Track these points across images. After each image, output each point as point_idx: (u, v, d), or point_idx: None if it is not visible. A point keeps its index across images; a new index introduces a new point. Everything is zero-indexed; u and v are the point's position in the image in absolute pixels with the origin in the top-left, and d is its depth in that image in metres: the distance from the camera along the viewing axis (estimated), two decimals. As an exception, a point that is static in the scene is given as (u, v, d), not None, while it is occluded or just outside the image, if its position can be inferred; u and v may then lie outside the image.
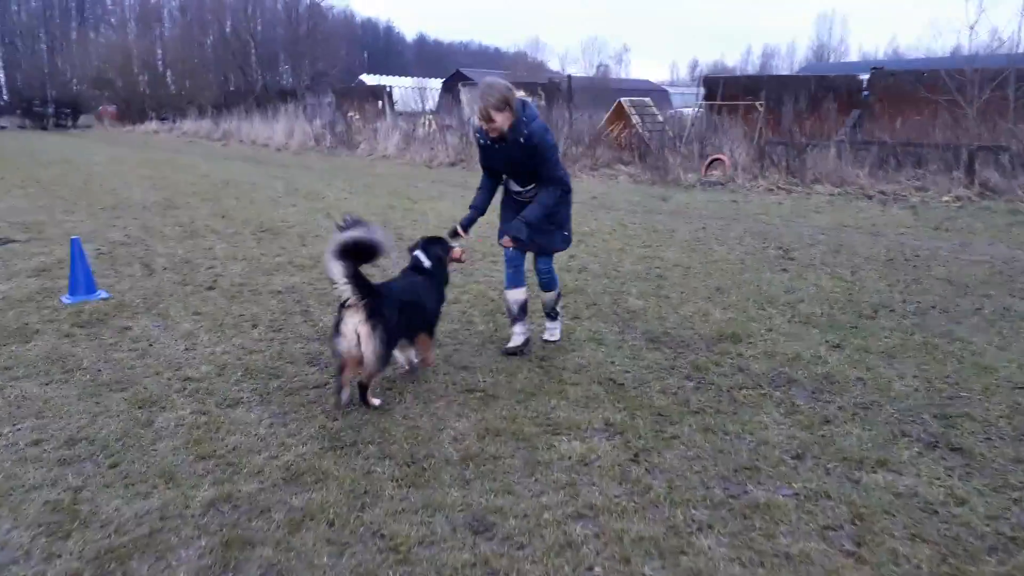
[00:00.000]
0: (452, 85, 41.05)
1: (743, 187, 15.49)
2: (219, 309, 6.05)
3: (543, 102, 28.49)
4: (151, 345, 5.15)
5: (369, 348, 3.93)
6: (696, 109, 21.97)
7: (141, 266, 7.59)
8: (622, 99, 22.82)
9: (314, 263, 7.91)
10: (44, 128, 45.32)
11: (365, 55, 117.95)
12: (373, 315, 3.96)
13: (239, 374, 4.64)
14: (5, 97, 61.46)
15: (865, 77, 21.71)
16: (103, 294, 6.39)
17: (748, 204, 13.30)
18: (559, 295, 5.51)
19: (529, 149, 4.66)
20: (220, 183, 15.31)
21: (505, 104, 4.50)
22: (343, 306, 3.99)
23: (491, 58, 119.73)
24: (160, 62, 51.03)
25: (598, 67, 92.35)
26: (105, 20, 75.45)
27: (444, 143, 21.24)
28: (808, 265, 8.16)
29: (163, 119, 42.55)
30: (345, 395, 4.14)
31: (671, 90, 60.52)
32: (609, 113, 23.21)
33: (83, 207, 11.61)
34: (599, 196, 14.36)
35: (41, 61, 60.02)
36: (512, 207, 5.12)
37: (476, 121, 4.71)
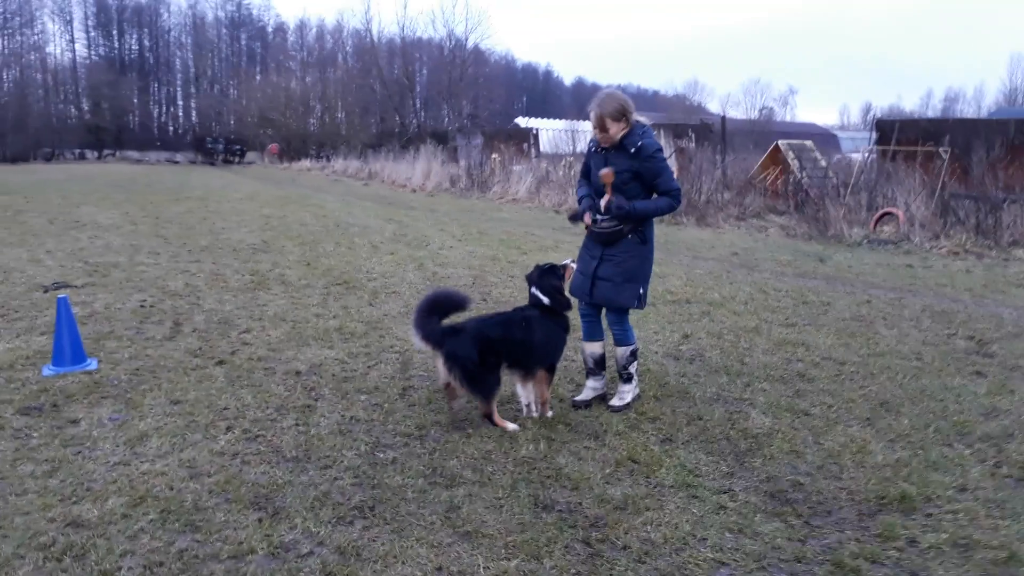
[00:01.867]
0: (603, 127, 39.71)
1: (920, 248, 12.96)
2: (207, 396, 4.76)
3: (692, 144, 26.58)
4: (78, 453, 3.88)
5: (456, 382, 4.30)
6: (866, 154, 19.35)
7: (171, 325, 6.52)
8: (779, 141, 20.56)
9: (367, 329, 6.56)
10: (212, 164, 47.96)
11: (524, 99, 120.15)
12: (449, 358, 4.28)
13: (149, 518, 3.24)
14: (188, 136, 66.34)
15: (1077, 121, 18.35)
16: (92, 364, 5.28)
17: (927, 271, 10.87)
18: (634, 353, 4.96)
19: (638, 162, 4.54)
20: (332, 225, 14.55)
21: (622, 115, 4.50)
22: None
23: (648, 100, 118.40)
24: (318, 103, 53.13)
25: (760, 110, 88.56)
26: (285, 65, 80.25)
27: (574, 187, 19.72)
28: (1014, 368, 5.94)
29: (318, 157, 43.85)
30: (456, 404, 4.56)
31: (840, 134, 56.55)
32: (764, 157, 21.01)
33: (173, 248, 10.99)
34: (742, 252, 12.34)
35: (217, 102, 64.30)
36: (589, 249, 4.87)
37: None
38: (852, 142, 45.32)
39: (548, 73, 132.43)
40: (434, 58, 69.81)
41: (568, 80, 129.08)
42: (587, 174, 4.89)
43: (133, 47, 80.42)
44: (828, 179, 17.57)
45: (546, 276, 4.74)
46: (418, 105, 63.56)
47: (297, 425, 4.31)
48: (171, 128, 74.69)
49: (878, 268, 11.02)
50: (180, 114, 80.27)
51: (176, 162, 49.57)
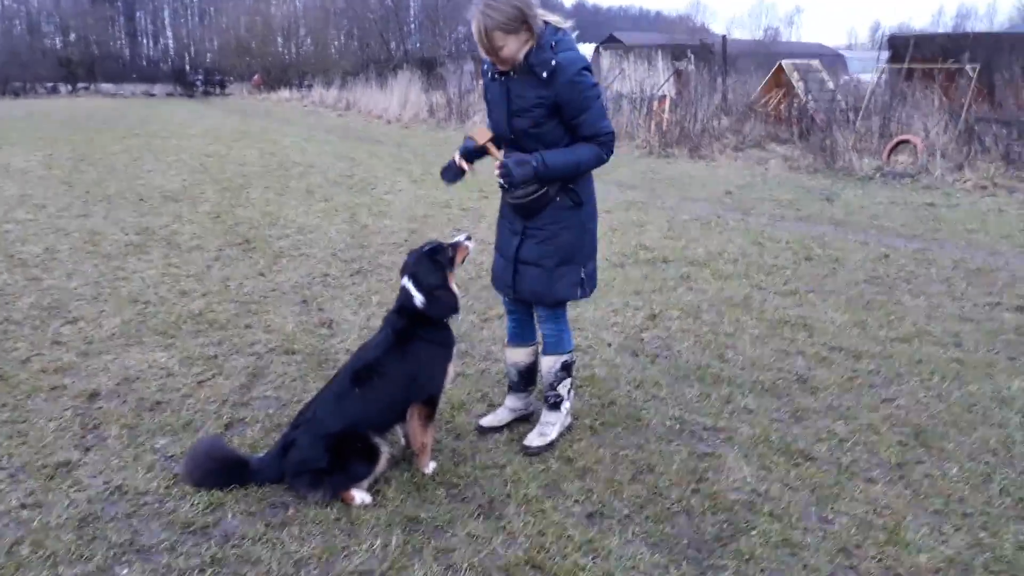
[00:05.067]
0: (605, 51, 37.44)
1: (942, 181, 11.28)
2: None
3: (692, 67, 24.53)
4: None
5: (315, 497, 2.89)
6: (878, 74, 17.41)
7: (-20, 313, 4.99)
8: (783, 61, 18.60)
9: (236, 314, 5.02)
10: (191, 96, 45.65)
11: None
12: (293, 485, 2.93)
13: None
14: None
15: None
16: None
17: (952, 210, 9.24)
18: (567, 367, 3.41)
19: (553, 89, 2.96)
20: (275, 165, 12.83)
21: (519, 21, 2.88)
22: None
23: (651, 22, 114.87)
24: (300, 28, 50.56)
25: (765, 31, 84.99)
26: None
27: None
28: (1090, 359, 4.41)
29: (297, 88, 41.59)
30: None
31: (848, 55, 53.71)
32: (767, 79, 19.09)
33: (69, 198, 9.36)
34: (737, 191, 10.69)
35: (199, 31, 61.63)
36: (508, 220, 3.32)
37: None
38: (861, 63, 42.72)
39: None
40: (425, -21, 66.21)
41: (568, 2, 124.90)
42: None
43: (118, -27, 76.66)
44: (836, 103, 15.72)
45: (426, 264, 3.13)
46: (412, 28, 60.50)
47: (23, 507, 2.80)
48: (151, 60, 71.55)
49: (894, 208, 9.39)
50: (168, 44, 76.88)
51: (152, 95, 47.13)
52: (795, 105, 16.61)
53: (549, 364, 3.40)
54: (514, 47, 2.90)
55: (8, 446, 3.23)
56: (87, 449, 3.23)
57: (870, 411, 3.70)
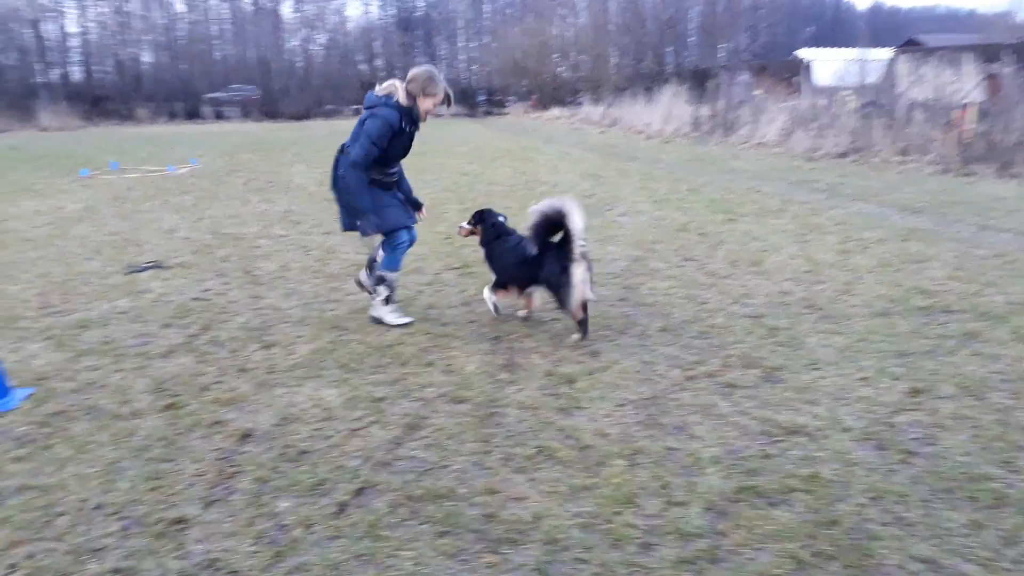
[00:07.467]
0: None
1: None
2: (75, 478, 3.15)
3: (1010, 68, 21.06)
4: None
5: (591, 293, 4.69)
6: None
7: (194, 331, 5.12)
8: None
9: (425, 349, 4.68)
10: (472, 116, 48.48)
11: (813, 28, 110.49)
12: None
13: None
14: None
15: None
16: (12, 401, 3.96)
17: None
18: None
19: None
20: (521, 185, 12.74)
21: None
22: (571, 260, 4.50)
23: (961, 21, 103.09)
24: (574, 49, 51.53)
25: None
26: (555, 12, 79.04)
27: (834, 127, 16.11)
28: None
29: (573, 104, 42.31)
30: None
31: None
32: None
33: (324, 216, 9.87)
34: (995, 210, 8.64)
35: (484, 53, 65.57)
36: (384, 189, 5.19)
37: (426, 106, 4.90)
38: None
39: (838, 1, 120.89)
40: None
41: (862, 6, 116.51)
42: (387, 155, 4.96)
43: (419, 4, 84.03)
44: None
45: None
46: (689, 41, 59.45)
47: (116, 572, 2.56)
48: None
49: None
50: (459, 66, 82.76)
51: (439, 115, 50.68)
52: None
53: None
54: None
55: (141, 490, 3.07)
56: (210, 503, 2.97)
57: None
